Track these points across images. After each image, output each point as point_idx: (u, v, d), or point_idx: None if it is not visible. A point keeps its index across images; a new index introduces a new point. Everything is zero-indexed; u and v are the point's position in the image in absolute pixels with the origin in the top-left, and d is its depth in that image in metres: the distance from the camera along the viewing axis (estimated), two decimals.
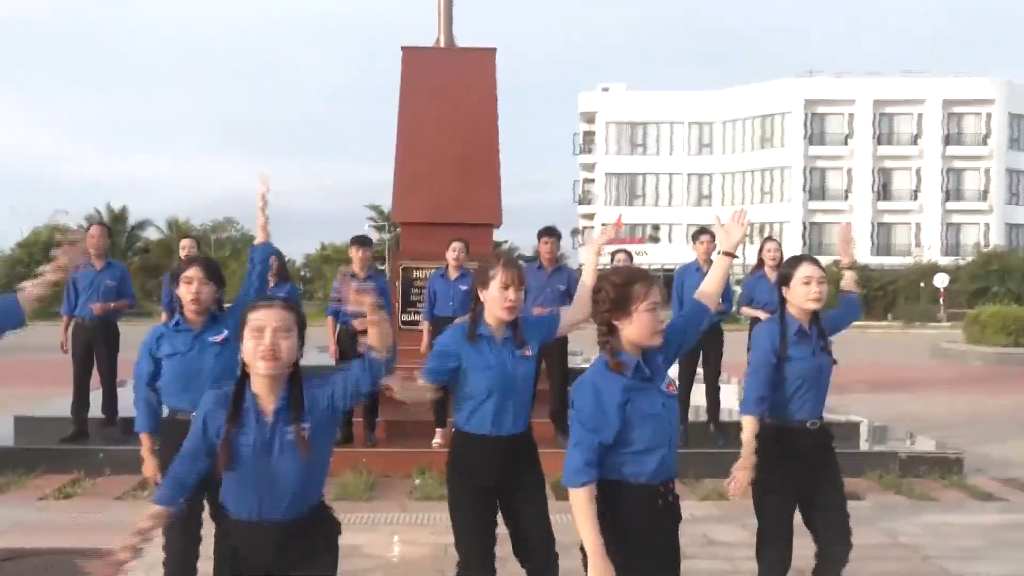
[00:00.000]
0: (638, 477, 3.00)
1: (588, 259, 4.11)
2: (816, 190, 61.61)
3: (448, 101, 11.42)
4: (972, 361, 23.09)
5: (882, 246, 60.83)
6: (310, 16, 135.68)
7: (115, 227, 50.77)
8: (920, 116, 61.07)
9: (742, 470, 3.94)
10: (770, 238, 9.15)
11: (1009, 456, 9.57)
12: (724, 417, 9.05)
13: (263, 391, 2.85)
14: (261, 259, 4.80)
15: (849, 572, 4.22)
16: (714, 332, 8.45)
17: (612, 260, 9.15)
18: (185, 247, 9.20)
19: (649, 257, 51.64)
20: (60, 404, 9.06)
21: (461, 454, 3.78)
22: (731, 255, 3.60)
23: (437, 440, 8.34)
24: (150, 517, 2.94)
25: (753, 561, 4.28)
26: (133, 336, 9.13)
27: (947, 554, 6.01)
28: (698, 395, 8.88)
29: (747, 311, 8.82)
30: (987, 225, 60.76)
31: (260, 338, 2.79)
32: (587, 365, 8.53)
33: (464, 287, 8.25)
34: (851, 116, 61.33)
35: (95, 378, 8.63)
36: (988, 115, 61.00)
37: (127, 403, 8.74)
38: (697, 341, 3.70)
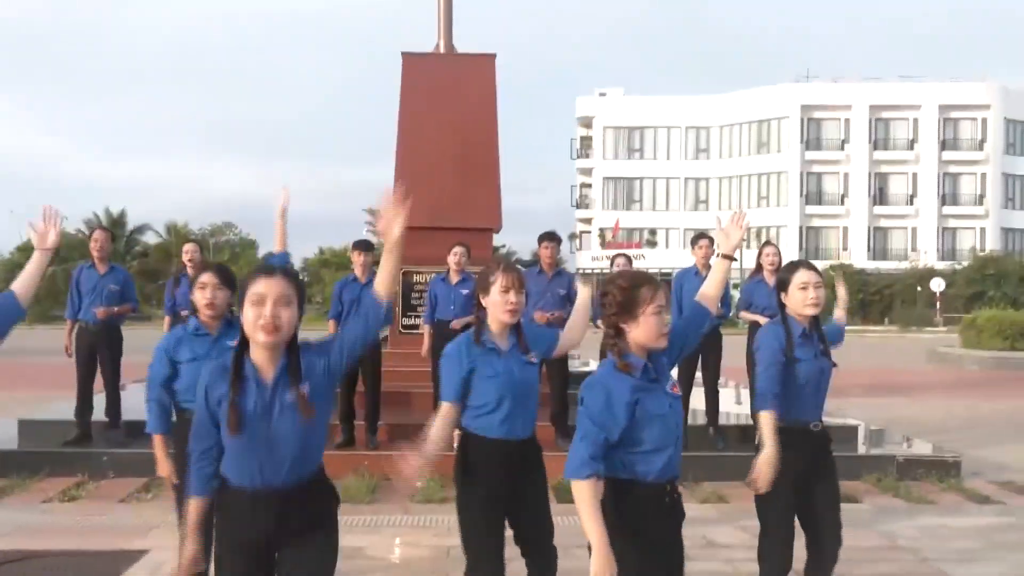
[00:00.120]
0: (647, 476, 3.07)
1: (582, 292, 4.25)
2: (813, 195, 61.75)
3: (448, 106, 11.49)
4: (968, 365, 23.15)
5: (878, 250, 61.00)
6: (308, 18, 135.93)
7: (114, 231, 50.67)
8: (916, 121, 61.25)
9: (766, 465, 3.95)
10: (769, 242, 9.21)
11: (1006, 459, 9.63)
12: (723, 420, 9.12)
13: (262, 360, 2.91)
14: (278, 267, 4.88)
15: (847, 574, 4.27)
16: (713, 336, 8.50)
17: (612, 265, 9.21)
18: (188, 252, 9.24)
19: (646, 261, 51.69)
20: (63, 407, 9.10)
21: (471, 457, 3.83)
22: (730, 258, 3.67)
23: None
24: (194, 512, 3.03)
25: (753, 563, 4.33)
26: (135, 340, 9.21)
27: (945, 556, 6.06)
28: (697, 399, 8.93)
29: (746, 315, 8.88)
30: (983, 230, 60.90)
31: (260, 309, 2.84)
32: (586, 368, 8.53)
33: (465, 291, 8.30)
34: (847, 121, 61.50)
35: (98, 381, 8.68)
36: (984, 120, 61.19)
37: (130, 406, 8.83)
38: (697, 345, 3.76)
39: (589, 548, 2.95)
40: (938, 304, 51.65)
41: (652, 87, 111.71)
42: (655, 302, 3.08)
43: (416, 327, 10.11)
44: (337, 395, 8.33)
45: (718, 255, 3.68)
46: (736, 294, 10.41)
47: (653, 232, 63.78)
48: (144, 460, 7.81)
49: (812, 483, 4.15)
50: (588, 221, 65.28)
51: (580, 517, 2.94)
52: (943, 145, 61.20)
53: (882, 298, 55.44)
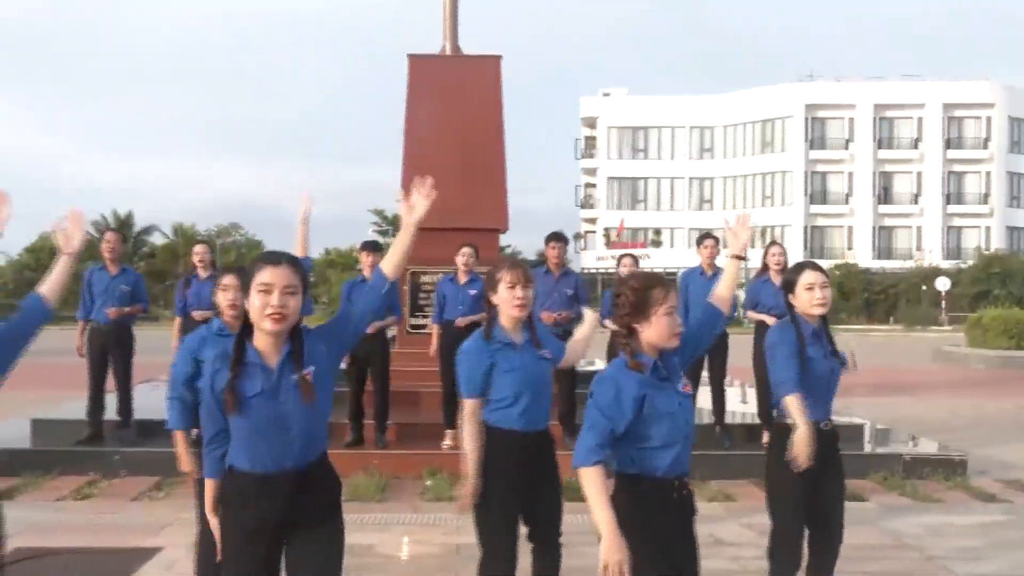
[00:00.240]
0: (655, 471, 3.15)
1: (588, 318, 4.40)
2: (817, 194, 61.73)
3: (454, 108, 11.56)
4: (974, 364, 23.17)
5: (883, 250, 60.95)
6: (311, 17, 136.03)
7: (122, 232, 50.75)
8: (920, 120, 61.20)
9: (803, 442, 3.99)
10: (774, 242, 9.24)
11: (1012, 458, 9.66)
12: (729, 419, 9.16)
13: (267, 346, 2.98)
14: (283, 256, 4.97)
15: (853, 571, 4.33)
16: (719, 336, 8.53)
17: (618, 265, 9.26)
18: (198, 253, 9.29)
19: (651, 261, 51.70)
20: (75, 407, 9.16)
21: (490, 450, 3.90)
22: (740, 258, 3.72)
23: (447, 442, 8.45)
24: (210, 491, 3.15)
25: (761, 560, 4.38)
26: (143, 340, 9.27)
27: (950, 554, 6.10)
28: (703, 398, 8.98)
29: (752, 315, 8.92)
30: (988, 229, 60.86)
31: (268, 298, 2.91)
32: (592, 368, 8.56)
33: (473, 291, 8.36)
34: (851, 120, 61.47)
35: (110, 381, 8.76)
36: (988, 119, 61.14)
37: (141, 405, 8.92)
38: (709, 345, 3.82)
39: (599, 537, 3.02)
40: (943, 303, 51.61)
41: (656, 87, 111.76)
42: (667, 303, 3.15)
43: (424, 327, 10.16)
44: (346, 394, 8.41)
45: (728, 256, 3.73)
46: (741, 294, 10.46)
47: (658, 232, 63.81)
48: (156, 459, 7.95)
49: (820, 481, 4.21)
50: (593, 221, 65.31)
51: (589, 504, 3.00)
52: (947, 144, 61.15)
53: (887, 297, 55.44)
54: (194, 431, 4.24)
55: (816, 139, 61.72)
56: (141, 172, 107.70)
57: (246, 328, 3.00)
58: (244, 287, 2.98)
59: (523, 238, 79.33)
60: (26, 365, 3.70)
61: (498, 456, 3.87)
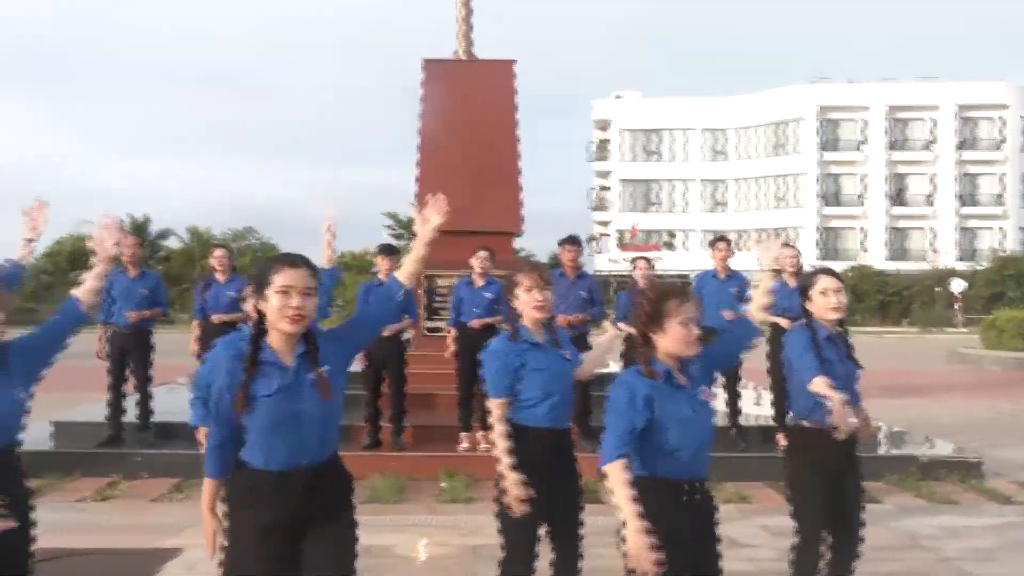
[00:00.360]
0: (665, 474, 3.23)
1: (608, 331, 4.49)
2: (830, 196, 61.58)
3: (468, 111, 11.64)
4: (989, 366, 23.07)
5: (897, 251, 60.74)
6: (327, 20, 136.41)
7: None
8: (934, 121, 60.99)
9: (840, 414, 4.03)
10: (789, 244, 9.27)
11: None
12: (744, 422, 9.19)
13: (282, 346, 3.05)
14: (327, 282, 5.13)
15: (868, 572, 4.37)
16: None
17: (632, 267, 9.29)
18: (216, 256, 9.36)
19: (664, 264, 51.69)
20: (96, 409, 9.27)
21: (518, 447, 3.95)
22: (776, 271, 3.77)
23: (463, 444, 8.51)
24: (207, 491, 3.18)
25: (777, 562, 4.43)
26: (162, 343, 9.36)
27: (965, 555, 6.11)
28: (718, 400, 9.00)
29: (766, 317, 8.94)
30: (1003, 230, 60.58)
31: (287, 299, 2.98)
32: (606, 371, 8.63)
33: (489, 295, 8.42)
34: (864, 122, 61.33)
35: (129, 383, 8.84)
36: (1002, 119, 60.89)
37: (160, 408, 9.01)
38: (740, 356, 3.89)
39: (619, 533, 3.08)
40: (957, 305, 51.39)
41: (668, 89, 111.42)
42: (681, 313, 3.23)
43: (440, 330, 10.22)
44: (363, 397, 8.48)
45: (762, 269, 3.78)
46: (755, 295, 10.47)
47: (671, 234, 63.77)
48: (176, 461, 8.05)
49: (841, 484, 4.27)
50: (606, 224, 65.32)
51: (615, 497, 3.07)
52: (961, 145, 60.92)
53: (901, 299, 55.21)
54: None
55: (829, 141, 61.59)
56: (154, 176, 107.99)
57: (260, 330, 3.06)
58: (259, 288, 3.04)
59: (536, 240, 79.23)
60: None
61: (523, 453, 3.93)
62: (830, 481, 4.23)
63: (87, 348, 9.03)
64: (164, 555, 5.93)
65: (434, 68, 11.91)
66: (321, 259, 5.63)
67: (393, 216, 59.18)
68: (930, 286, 54.58)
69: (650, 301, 3.27)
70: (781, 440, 8.18)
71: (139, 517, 7.00)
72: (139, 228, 58.31)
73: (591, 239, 65.06)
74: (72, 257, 51.87)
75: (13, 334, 3.36)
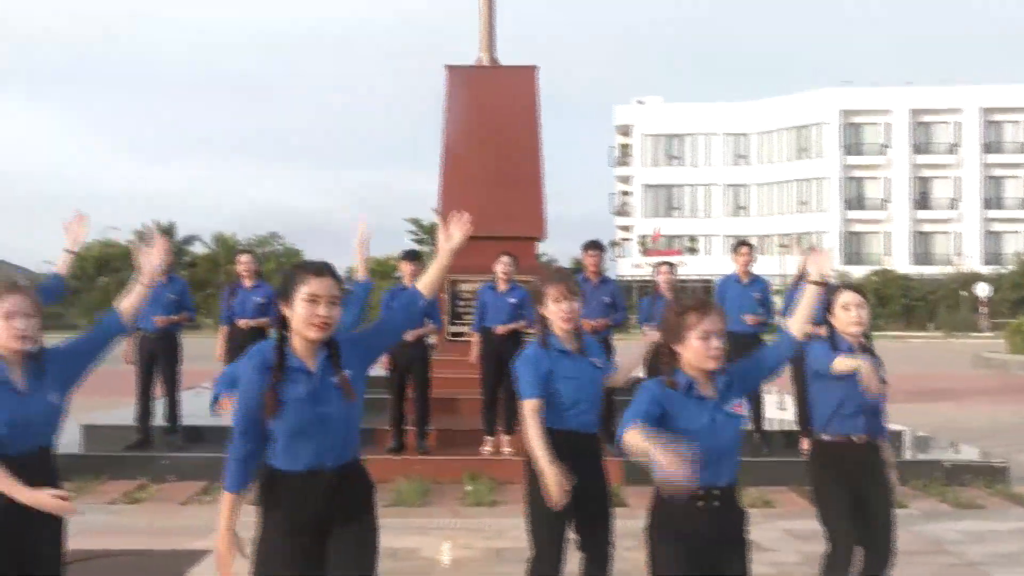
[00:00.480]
0: (677, 479, 3.23)
1: (638, 350, 4.51)
2: (854, 200, 61.21)
3: (491, 117, 11.72)
4: (1015, 371, 22.89)
5: (921, 255, 60.26)
6: (348, 26, 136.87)
7: None
8: (958, 124, 60.51)
9: (870, 374, 4.15)
10: (812, 248, 9.26)
11: None
12: (767, 426, 9.19)
13: (306, 352, 3.13)
14: (361, 294, 5.25)
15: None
16: (755, 343, 8.56)
17: (655, 272, 9.32)
18: (243, 262, 9.47)
19: (687, 268, 51.58)
20: (124, 413, 9.39)
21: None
22: (820, 284, 3.80)
23: (487, 448, 8.57)
24: (225, 506, 3.16)
25: (801, 566, 4.45)
26: (187, 348, 9.48)
27: (990, 560, 6.10)
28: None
29: (808, 329, 8.93)
30: None
31: (314, 308, 3.06)
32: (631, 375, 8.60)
33: (512, 300, 8.46)
34: (888, 125, 60.92)
35: (157, 387, 8.96)
36: None
37: (188, 411, 9.12)
38: (737, 353, 3.91)
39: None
40: (983, 309, 50.93)
41: (691, 94, 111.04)
42: (701, 327, 3.27)
43: (464, 334, 10.28)
44: (388, 401, 8.55)
45: (808, 281, 3.81)
46: (778, 300, 10.47)
47: (693, 239, 63.57)
48: (204, 464, 8.14)
49: (865, 496, 4.32)
50: (628, 228, 65.21)
51: (636, 451, 3.05)
52: (986, 148, 60.37)
53: (926, 303, 54.79)
54: None
55: (852, 145, 61.22)
56: (178, 180, 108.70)
57: (283, 336, 3.13)
58: (284, 295, 3.11)
59: (559, 245, 79.29)
60: None
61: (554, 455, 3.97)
62: (853, 492, 4.28)
63: (115, 353, 9.16)
64: (192, 557, 6.01)
65: (457, 74, 11.99)
66: (357, 273, 5.73)
67: (415, 222, 59.33)
68: (955, 290, 54.14)
69: (673, 314, 3.35)
70: (804, 445, 8.19)
71: (167, 519, 7.10)
72: (165, 234, 58.71)
73: (613, 244, 64.99)
74: (99, 263, 52.32)
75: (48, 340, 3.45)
